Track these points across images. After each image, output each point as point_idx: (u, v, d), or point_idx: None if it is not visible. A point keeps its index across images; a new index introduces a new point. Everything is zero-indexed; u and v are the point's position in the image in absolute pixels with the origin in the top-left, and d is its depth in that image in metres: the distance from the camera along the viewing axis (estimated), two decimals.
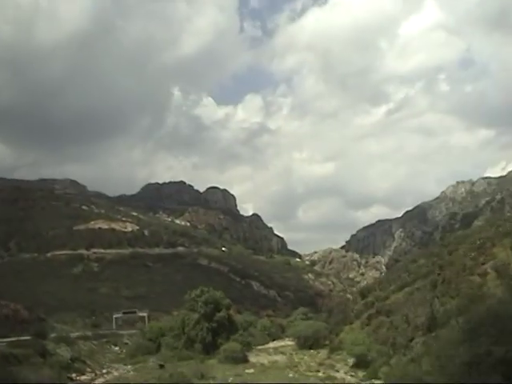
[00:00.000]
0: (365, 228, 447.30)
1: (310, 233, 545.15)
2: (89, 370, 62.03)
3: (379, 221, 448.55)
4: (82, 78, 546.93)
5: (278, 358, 57.25)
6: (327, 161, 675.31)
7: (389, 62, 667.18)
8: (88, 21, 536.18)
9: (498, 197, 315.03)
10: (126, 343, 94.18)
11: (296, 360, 54.52)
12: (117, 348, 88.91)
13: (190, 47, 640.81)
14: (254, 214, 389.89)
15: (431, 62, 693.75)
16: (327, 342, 67.42)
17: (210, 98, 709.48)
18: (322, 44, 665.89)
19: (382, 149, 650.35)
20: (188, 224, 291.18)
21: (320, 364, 49.27)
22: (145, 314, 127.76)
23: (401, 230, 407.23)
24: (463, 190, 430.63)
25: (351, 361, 50.85)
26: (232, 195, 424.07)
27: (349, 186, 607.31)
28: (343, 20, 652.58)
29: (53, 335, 69.25)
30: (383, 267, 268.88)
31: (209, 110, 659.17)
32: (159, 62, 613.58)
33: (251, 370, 49.81)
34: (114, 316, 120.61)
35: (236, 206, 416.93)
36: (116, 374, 57.36)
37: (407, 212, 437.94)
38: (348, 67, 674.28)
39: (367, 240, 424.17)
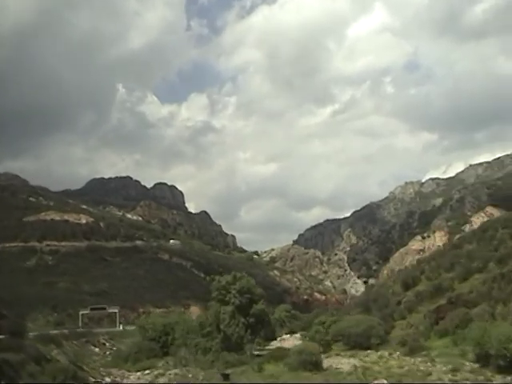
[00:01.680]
0: (313, 227, 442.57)
1: (252, 233, 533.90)
2: (92, 378, 46.35)
3: (327, 220, 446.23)
4: (24, 71, 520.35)
5: (355, 361, 42.58)
6: (271, 161, 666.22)
7: (336, 62, 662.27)
8: (33, 12, 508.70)
9: (457, 196, 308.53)
10: (104, 343, 79.74)
11: (389, 365, 39.74)
12: (97, 349, 74.08)
13: (137, 43, 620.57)
14: (202, 212, 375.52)
15: (378, 65, 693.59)
16: (378, 341, 53.45)
17: (154, 97, 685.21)
18: (270, 43, 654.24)
19: (326, 150, 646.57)
20: (140, 219, 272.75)
21: (454, 371, 34.35)
22: (115, 311, 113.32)
23: (349, 229, 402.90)
24: (412, 190, 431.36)
25: (470, 364, 36.43)
26: (180, 192, 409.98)
27: (292, 187, 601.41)
28: (292, 19, 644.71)
29: (33, 334, 53.57)
30: (346, 265, 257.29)
31: (153, 107, 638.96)
32: (105, 57, 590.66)
33: None
34: (81, 313, 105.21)
35: (184, 202, 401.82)
36: None
37: (355, 212, 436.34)
38: (295, 67, 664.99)
39: (315, 239, 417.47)
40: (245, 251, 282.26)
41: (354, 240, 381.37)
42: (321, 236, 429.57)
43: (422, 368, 36.87)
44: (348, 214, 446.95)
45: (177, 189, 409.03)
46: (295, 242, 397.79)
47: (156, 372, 48.39)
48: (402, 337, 52.85)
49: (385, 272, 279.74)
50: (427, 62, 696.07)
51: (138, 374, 51.00)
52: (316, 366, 39.36)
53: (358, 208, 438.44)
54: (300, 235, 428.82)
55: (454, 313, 49.69)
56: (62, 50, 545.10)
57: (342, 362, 42.65)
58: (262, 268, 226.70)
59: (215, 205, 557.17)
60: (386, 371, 37.14)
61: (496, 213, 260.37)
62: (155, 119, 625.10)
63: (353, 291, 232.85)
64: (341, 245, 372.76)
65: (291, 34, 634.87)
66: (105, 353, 71.95)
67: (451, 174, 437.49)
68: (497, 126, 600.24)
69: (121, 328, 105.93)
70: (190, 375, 40.78)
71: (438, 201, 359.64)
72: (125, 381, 47.21)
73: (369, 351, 51.15)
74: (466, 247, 73.10)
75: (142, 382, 44.86)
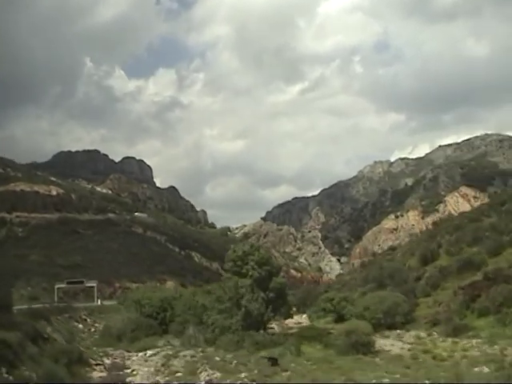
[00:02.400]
0: (280, 205, 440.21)
1: (218, 210, 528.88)
2: (92, 360, 39.63)
3: (295, 198, 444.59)
4: None
5: (400, 343, 36.86)
6: (238, 138, 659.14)
7: (306, 40, 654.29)
8: None
9: (430, 175, 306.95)
10: (85, 319, 73.04)
11: (447, 349, 33.89)
12: (80, 326, 67.41)
13: (105, 16, 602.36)
14: (171, 187, 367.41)
15: (347, 43, 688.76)
16: (403, 320, 48.14)
17: (121, 71, 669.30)
18: (240, 19, 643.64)
19: (293, 128, 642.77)
20: (110, 192, 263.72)
21: None
22: (93, 285, 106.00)
23: (318, 207, 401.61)
24: (381, 169, 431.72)
25: None
26: (148, 166, 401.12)
27: (258, 165, 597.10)
28: None
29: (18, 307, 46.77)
30: (320, 242, 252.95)
31: (121, 81, 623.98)
32: (73, 30, 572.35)
33: None
34: (56, 286, 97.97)
35: (152, 177, 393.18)
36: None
37: (324, 190, 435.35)
38: (264, 44, 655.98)
39: (283, 217, 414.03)
40: (215, 227, 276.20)
41: (322, 218, 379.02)
42: (289, 214, 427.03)
43: (490, 352, 30.91)
44: (316, 193, 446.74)
45: (145, 163, 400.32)
46: (263, 220, 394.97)
47: (163, 352, 41.98)
48: (433, 315, 47.66)
49: (357, 250, 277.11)
50: (396, 42, 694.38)
51: (140, 354, 44.57)
52: (368, 349, 33.34)
53: (326, 186, 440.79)
54: (268, 212, 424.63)
55: (494, 289, 44.28)
56: (29, 23, 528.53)
57: (386, 344, 36.80)
58: (237, 244, 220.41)
59: (181, 181, 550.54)
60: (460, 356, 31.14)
61: (470, 192, 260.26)
62: (122, 94, 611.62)
63: (327, 269, 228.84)
64: (309, 223, 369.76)
65: (261, 10, 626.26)
66: (89, 330, 65.61)
67: (417, 154, 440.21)
68: (464, 107, 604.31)
69: (99, 303, 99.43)
70: (217, 358, 34.25)
71: (408, 180, 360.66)
72: (128, 362, 40.73)
73: (398, 331, 45.88)
74: (486, 221, 67.92)
75: (149, 363, 38.34)
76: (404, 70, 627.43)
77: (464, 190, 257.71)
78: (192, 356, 37.95)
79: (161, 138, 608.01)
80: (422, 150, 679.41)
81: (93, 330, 65.64)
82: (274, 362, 29.10)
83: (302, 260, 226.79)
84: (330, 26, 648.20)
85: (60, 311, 66.54)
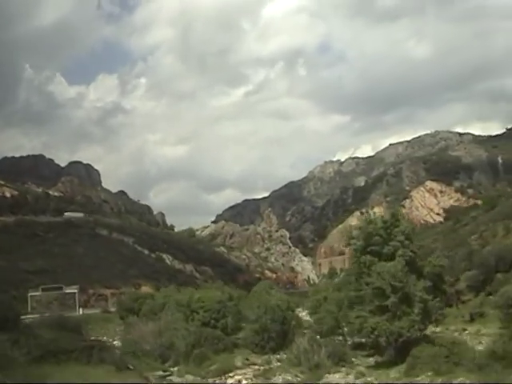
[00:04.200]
0: (231, 208, 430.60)
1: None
2: None
3: (246, 200, 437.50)
4: None
5: None
6: (181, 143, 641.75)
7: (250, 43, 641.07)
8: None
9: (391, 171, 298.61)
10: None
11: None
12: None
13: (45, 21, 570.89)
14: (120, 191, 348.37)
15: (291, 46, 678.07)
16: None
17: (62, 77, 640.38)
18: (183, 22, 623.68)
19: (237, 131, 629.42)
20: (62, 195, 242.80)
21: None
22: (75, 291, 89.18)
23: (269, 209, 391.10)
24: (331, 169, 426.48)
25: None
26: (96, 170, 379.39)
27: (202, 169, 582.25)
28: None
29: None
30: (289, 241, 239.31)
31: (62, 87, 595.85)
32: (12, 35, 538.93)
33: None
34: (30, 294, 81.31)
35: (100, 182, 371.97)
36: None
37: (274, 192, 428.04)
38: (208, 47, 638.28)
39: (234, 219, 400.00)
40: (173, 229, 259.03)
41: (274, 219, 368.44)
42: (240, 216, 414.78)
43: None
44: (267, 194, 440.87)
45: (93, 167, 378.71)
46: (213, 223, 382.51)
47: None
48: None
49: (322, 250, 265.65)
50: (340, 43, 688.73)
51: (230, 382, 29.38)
52: None
53: (274, 189, 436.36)
54: (218, 216, 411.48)
55: None
56: None
57: None
58: (208, 245, 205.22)
59: (125, 187, 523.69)
60: None
61: (436, 187, 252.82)
62: (64, 99, 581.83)
63: (299, 269, 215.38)
64: (261, 225, 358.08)
65: (205, 12, 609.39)
66: None
67: (360, 155, 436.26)
68: (406, 108, 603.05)
69: (81, 312, 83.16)
70: None
71: (361, 179, 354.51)
72: None
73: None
74: None
75: None
76: (347, 72, 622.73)
77: (430, 184, 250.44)
78: None
79: (104, 144, 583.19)
80: (364, 151, 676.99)
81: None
82: None
83: (272, 260, 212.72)
84: (274, 27, 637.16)
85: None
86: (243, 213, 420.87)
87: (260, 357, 35.08)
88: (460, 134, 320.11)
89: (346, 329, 36.92)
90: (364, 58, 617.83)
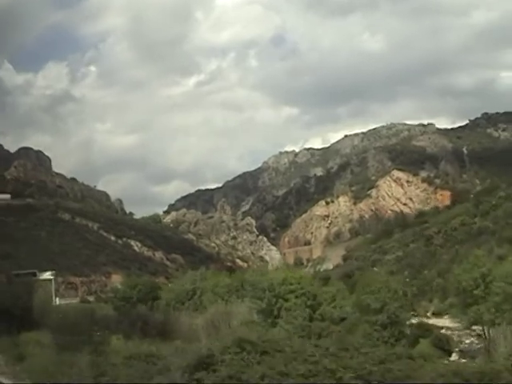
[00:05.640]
0: (183, 198, 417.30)
1: None
2: None
3: (199, 190, 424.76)
4: None
5: None
6: (131, 133, 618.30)
7: (203, 32, 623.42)
8: None
9: (355, 160, 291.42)
10: None
11: None
12: None
13: None
14: (72, 178, 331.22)
15: (244, 36, 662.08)
16: None
17: (9, 63, 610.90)
18: (136, 9, 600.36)
19: (188, 122, 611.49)
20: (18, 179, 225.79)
21: None
22: (51, 277, 76.32)
23: (223, 199, 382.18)
24: (286, 160, 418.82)
25: None
26: (47, 157, 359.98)
27: (151, 160, 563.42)
28: None
29: None
30: (255, 229, 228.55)
31: (9, 73, 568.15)
32: None
33: None
34: None
35: (51, 168, 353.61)
36: None
37: (228, 182, 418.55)
38: (161, 35, 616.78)
39: (187, 210, 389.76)
40: (132, 216, 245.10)
41: (228, 210, 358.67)
42: (193, 206, 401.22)
43: None
44: (215, 186, 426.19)
45: (44, 154, 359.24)
46: (166, 213, 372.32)
47: None
48: None
49: (286, 239, 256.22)
50: (293, 36, 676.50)
51: None
52: None
53: (225, 179, 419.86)
54: (170, 205, 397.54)
55: None
56: None
57: None
58: (175, 231, 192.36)
59: (73, 176, 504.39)
60: None
61: (403, 177, 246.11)
62: (12, 86, 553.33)
63: (267, 258, 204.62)
64: (215, 215, 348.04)
65: (159, 0, 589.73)
66: None
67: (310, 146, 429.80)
68: (358, 101, 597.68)
69: (57, 302, 70.67)
70: None
71: (317, 170, 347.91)
72: None
73: None
74: None
75: None
76: (300, 64, 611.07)
77: (396, 174, 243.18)
78: None
79: (52, 132, 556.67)
80: (313, 144, 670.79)
81: None
82: None
83: (239, 248, 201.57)
84: (227, 18, 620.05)
85: None
86: (196, 203, 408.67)
87: None
88: (423, 125, 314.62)
89: None
90: (317, 50, 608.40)
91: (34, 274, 74.03)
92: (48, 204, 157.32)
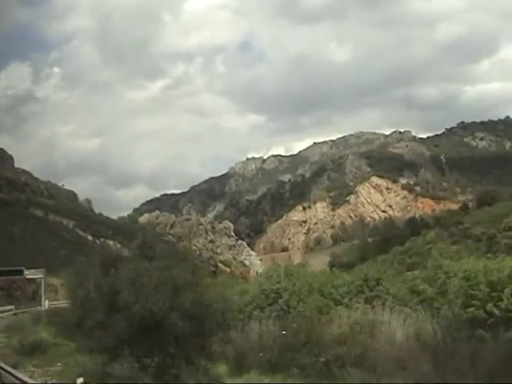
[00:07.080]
0: (149, 202, 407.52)
1: None
2: None
3: (164, 195, 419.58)
4: None
5: None
6: (94, 136, 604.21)
7: (170, 36, 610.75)
8: None
9: (330, 166, 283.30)
10: None
11: None
12: None
13: None
14: (35, 178, 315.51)
15: (212, 42, 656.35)
16: None
17: None
18: (104, 10, 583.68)
19: (153, 126, 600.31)
20: None
21: None
22: (40, 276, 63.62)
23: (189, 204, 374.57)
24: (254, 166, 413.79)
25: None
26: (10, 155, 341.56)
27: (113, 164, 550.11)
28: None
29: None
30: (233, 233, 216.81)
31: None
32: None
33: None
34: None
35: (14, 167, 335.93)
36: None
37: (194, 187, 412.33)
38: (127, 38, 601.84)
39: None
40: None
41: (194, 215, 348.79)
42: (159, 210, 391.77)
43: None
44: (179, 192, 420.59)
45: (6, 152, 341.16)
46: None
47: None
48: None
49: (261, 245, 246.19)
50: (261, 42, 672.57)
51: None
52: None
53: (190, 185, 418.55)
54: (135, 209, 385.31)
55: None
56: None
57: None
58: (153, 233, 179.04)
59: None
60: None
61: (382, 183, 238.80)
62: None
63: (247, 263, 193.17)
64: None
65: (127, 2, 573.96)
66: None
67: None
68: (322, 111, 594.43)
69: (47, 306, 58.06)
70: None
71: (285, 177, 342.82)
72: None
73: None
74: None
75: None
76: (267, 71, 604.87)
77: (376, 180, 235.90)
78: None
79: (13, 133, 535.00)
80: (277, 152, 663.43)
81: None
82: None
83: (218, 252, 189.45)
84: (196, 22, 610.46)
85: None
86: (162, 207, 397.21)
87: None
88: (400, 133, 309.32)
89: None
90: (284, 58, 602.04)
91: (21, 272, 61.16)
92: (19, 199, 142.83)
